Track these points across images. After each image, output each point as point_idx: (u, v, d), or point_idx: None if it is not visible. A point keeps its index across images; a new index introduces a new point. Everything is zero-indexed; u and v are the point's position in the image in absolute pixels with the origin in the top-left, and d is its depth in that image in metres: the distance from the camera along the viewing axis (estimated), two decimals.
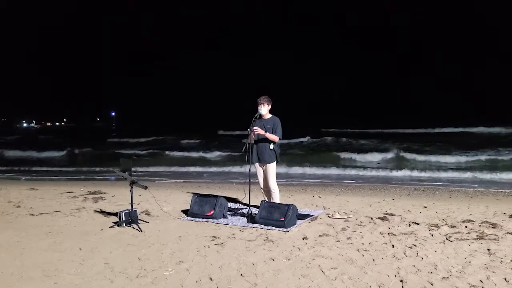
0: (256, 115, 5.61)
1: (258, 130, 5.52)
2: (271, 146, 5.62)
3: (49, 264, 3.94)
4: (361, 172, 13.27)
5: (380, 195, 8.19)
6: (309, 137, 26.57)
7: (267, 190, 5.91)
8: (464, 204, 6.71)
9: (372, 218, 5.53)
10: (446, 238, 4.51)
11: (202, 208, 5.71)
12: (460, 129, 31.59)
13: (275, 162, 5.74)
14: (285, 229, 4.97)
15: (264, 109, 5.65)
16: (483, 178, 11.48)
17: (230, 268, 3.71)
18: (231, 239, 4.66)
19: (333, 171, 13.79)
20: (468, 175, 11.92)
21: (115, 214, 5.82)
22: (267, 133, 5.56)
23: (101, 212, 6.36)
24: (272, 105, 5.76)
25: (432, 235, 4.65)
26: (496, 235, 4.55)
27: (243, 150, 5.58)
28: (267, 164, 5.70)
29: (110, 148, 26.48)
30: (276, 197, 5.81)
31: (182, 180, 12.16)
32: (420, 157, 16.60)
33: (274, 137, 5.59)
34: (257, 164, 5.81)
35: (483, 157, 15.82)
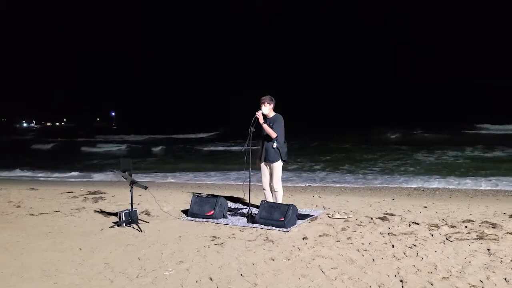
0: (256, 114, 5.61)
1: (259, 115, 5.56)
2: (274, 145, 5.61)
3: (49, 264, 3.94)
4: None
5: (380, 195, 8.19)
6: None
7: (269, 191, 5.91)
8: (464, 204, 6.70)
9: (372, 218, 5.53)
10: (446, 238, 4.51)
11: (202, 208, 5.71)
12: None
13: (280, 161, 5.73)
14: (285, 229, 4.97)
15: (265, 109, 5.67)
16: None
17: (230, 268, 3.71)
18: (231, 239, 4.66)
19: None
20: None
21: (115, 214, 5.82)
22: (265, 124, 5.58)
23: (101, 212, 6.36)
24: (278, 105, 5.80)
25: (432, 235, 4.65)
26: (496, 235, 4.54)
27: (243, 150, 5.58)
28: (272, 164, 5.70)
29: None
30: (279, 197, 5.81)
31: (181, 181, 12.17)
32: None
33: (271, 131, 5.59)
34: (262, 164, 5.82)
35: None
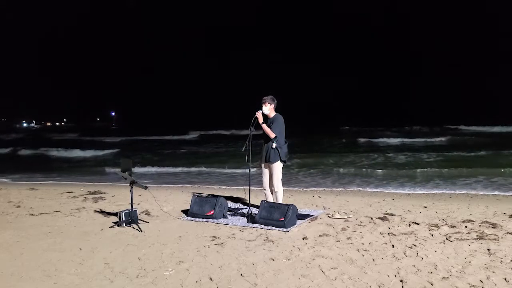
0: (256, 114, 5.63)
1: (259, 115, 5.60)
2: (273, 145, 5.63)
3: (49, 264, 3.95)
4: None
5: (380, 195, 8.19)
6: None
7: (269, 191, 5.92)
8: (464, 204, 6.70)
9: (372, 218, 5.53)
10: (446, 238, 4.51)
11: (202, 208, 5.71)
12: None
13: (279, 161, 5.73)
14: (285, 229, 4.97)
15: (266, 109, 5.69)
16: None
17: (230, 268, 3.71)
18: (231, 239, 4.66)
19: None
20: None
21: (115, 214, 5.82)
22: (264, 124, 5.63)
23: (101, 212, 6.36)
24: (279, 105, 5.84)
25: (432, 235, 4.65)
26: (496, 235, 4.55)
27: (243, 150, 5.59)
28: (271, 164, 5.71)
29: None
30: (280, 198, 5.81)
31: (182, 185, 12.16)
32: None
33: (269, 131, 5.63)
34: (263, 164, 5.83)
35: None
